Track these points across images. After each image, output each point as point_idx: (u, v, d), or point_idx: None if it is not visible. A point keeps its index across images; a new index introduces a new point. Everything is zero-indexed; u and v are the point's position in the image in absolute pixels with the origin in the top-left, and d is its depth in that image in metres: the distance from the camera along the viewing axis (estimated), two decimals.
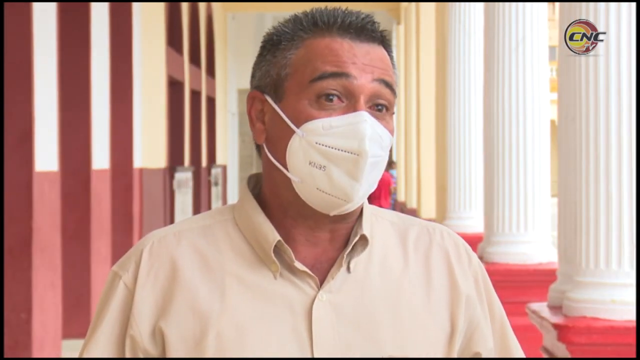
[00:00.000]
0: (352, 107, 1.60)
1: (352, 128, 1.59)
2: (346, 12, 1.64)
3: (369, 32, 1.63)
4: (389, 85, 1.63)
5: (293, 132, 1.61)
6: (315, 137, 1.60)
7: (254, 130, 1.68)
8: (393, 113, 1.66)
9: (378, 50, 1.64)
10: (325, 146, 1.59)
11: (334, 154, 1.59)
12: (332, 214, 1.63)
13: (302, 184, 1.62)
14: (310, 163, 1.60)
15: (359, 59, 1.61)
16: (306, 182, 1.61)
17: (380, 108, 1.63)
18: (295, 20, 1.66)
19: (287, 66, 1.63)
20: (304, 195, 1.62)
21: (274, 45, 1.66)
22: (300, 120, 1.61)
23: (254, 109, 1.68)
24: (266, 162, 1.67)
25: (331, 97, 1.60)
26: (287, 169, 1.63)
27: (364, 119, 1.59)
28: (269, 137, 1.66)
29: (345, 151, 1.59)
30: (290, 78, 1.63)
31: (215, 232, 1.68)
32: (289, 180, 1.63)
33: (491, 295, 1.76)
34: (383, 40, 1.66)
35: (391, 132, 1.64)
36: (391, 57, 1.67)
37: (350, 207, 1.62)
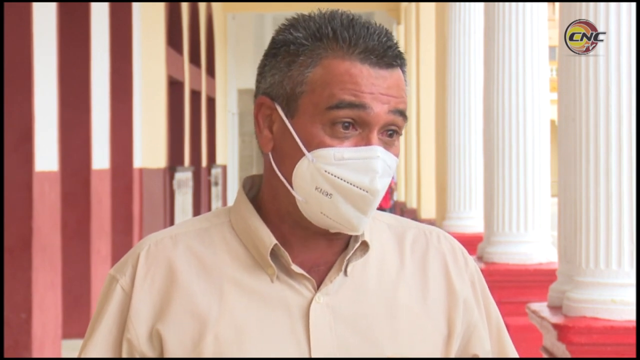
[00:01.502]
0: (365, 137, 1.59)
1: (364, 163, 1.58)
2: (368, 31, 1.61)
3: (389, 59, 1.61)
4: (402, 114, 1.62)
5: (302, 153, 1.60)
6: (325, 165, 1.59)
7: (261, 137, 1.65)
8: (400, 134, 1.66)
9: (395, 75, 1.62)
10: (335, 176, 1.58)
11: (343, 185, 1.58)
12: (332, 231, 1.63)
13: (306, 204, 1.61)
14: (316, 188, 1.59)
15: (376, 88, 1.59)
16: (311, 204, 1.61)
17: (391, 134, 1.62)
18: (314, 30, 1.62)
19: (303, 84, 1.61)
20: (307, 214, 1.62)
21: (290, 54, 1.62)
22: (311, 144, 1.59)
23: (262, 115, 1.65)
24: (269, 169, 1.66)
25: (346, 124, 1.59)
26: (291, 185, 1.62)
27: (377, 155, 1.59)
28: (276, 149, 1.64)
29: (355, 186, 1.58)
30: (305, 97, 1.61)
31: (212, 235, 1.67)
32: (291, 193, 1.62)
33: (487, 297, 1.76)
34: (401, 63, 1.64)
35: (397, 154, 1.64)
36: (404, 73, 1.65)
37: (353, 234, 1.63)
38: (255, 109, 1.66)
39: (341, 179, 1.58)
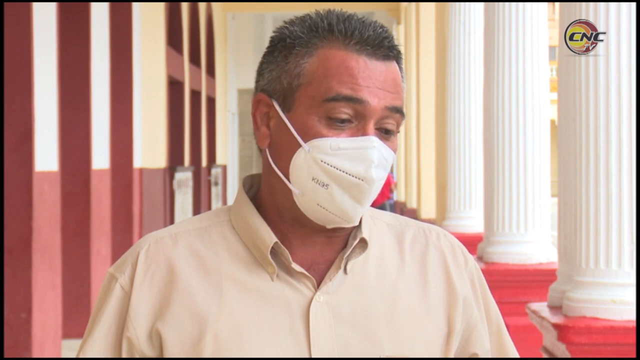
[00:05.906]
0: (361, 129, 1.60)
1: (360, 153, 1.59)
2: (363, 23, 1.62)
3: (385, 50, 1.62)
4: (399, 111, 1.63)
5: (299, 145, 1.60)
6: (322, 155, 1.59)
7: (258, 133, 1.66)
8: (398, 132, 1.66)
9: (392, 68, 1.62)
10: (331, 166, 1.59)
11: (339, 175, 1.59)
12: (329, 227, 1.63)
13: (302, 197, 1.61)
14: (313, 179, 1.60)
15: (372, 82, 1.60)
16: (307, 196, 1.61)
17: (388, 130, 1.62)
18: (310, 23, 1.63)
19: (299, 76, 1.61)
20: (303, 208, 1.62)
21: (286, 48, 1.63)
22: (308, 135, 1.60)
23: (259, 112, 1.66)
24: (267, 166, 1.67)
25: (342, 117, 1.60)
26: (288, 179, 1.62)
27: (373, 145, 1.59)
28: (273, 144, 1.65)
29: (350, 175, 1.58)
30: (302, 89, 1.61)
31: (212, 234, 1.68)
32: (288, 188, 1.62)
33: (487, 296, 1.76)
34: (397, 55, 1.64)
35: (394, 150, 1.64)
36: (401, 70, 1.66)
37: (349, 225, 1.63)
38: (253, 107, 1.67)
39: (337, 169, 1.59)
